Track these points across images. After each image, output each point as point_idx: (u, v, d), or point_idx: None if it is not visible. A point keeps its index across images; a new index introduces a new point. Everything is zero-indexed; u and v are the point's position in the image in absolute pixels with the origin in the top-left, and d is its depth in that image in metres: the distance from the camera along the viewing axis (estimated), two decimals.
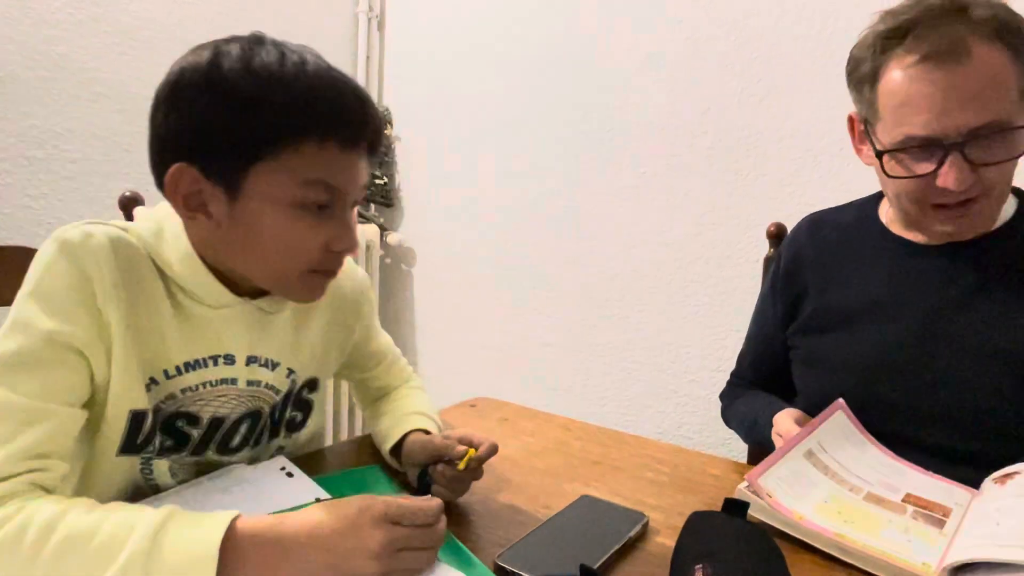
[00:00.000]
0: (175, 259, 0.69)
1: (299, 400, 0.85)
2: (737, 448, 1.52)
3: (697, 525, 0.63)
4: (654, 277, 1.72)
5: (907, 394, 0.85)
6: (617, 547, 0.67)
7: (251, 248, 0.68)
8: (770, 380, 1.06)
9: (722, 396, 1.15)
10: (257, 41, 0.66)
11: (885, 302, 0.90)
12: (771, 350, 1.05)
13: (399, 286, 2.25)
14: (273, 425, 0.82)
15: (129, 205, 1.14)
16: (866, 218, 0.97)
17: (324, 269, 0.71)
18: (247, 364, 0.76)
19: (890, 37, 0.79)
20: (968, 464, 0.80)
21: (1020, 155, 0.78)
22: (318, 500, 0.69)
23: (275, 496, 0.70)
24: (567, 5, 1.80)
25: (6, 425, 0.58)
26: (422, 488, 0.75)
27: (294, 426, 0.86)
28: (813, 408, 0.88)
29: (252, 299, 0.75)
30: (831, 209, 1.04)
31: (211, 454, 0.78)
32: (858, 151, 0.91)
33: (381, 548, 0.55)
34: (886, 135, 0.82)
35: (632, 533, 0.70)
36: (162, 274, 0.70)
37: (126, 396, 0.67)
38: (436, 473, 0.75)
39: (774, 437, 0.90)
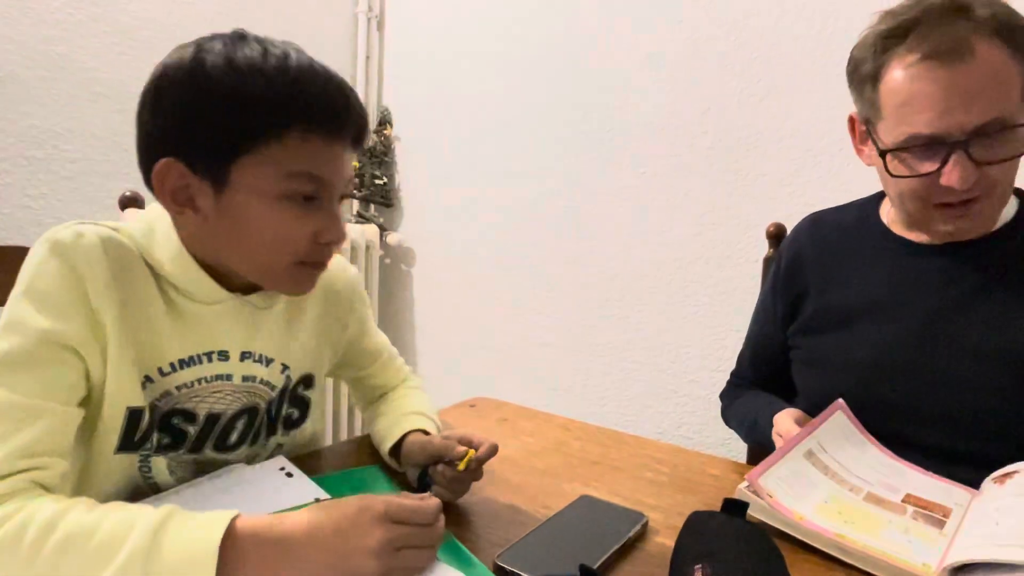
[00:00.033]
0: (166, 258, 0.69)
1: (295, 397, 0.85)
2: (737, 448, 1.52)
3: (697, 525, 0.63)
4: (654, 277, 1.72)
5: (907, 394, 0.85)
6: (616, 547, 0.67)
7: (239, 241, 0.68)
8: (770, 380, 1.06)
9: (722, 396, 1.15)
10: (239, 37, 0.67)
11: (885, 302, 0.89)
12: (771, 350, 1.05)
13: (399, 286, 2.24)
14: (270, 422, 0.83)
15: (129, 205, 1.14)
16: (867, 218, 0.97)
17: (313, 261, 0.72)
18: (241, 360, 0.76)
19: (891, 37, 0.79)
20: (968, 464, 0.80)
21: (1023, 153, 0.78)
22: (318, 500, 0.69)
23: (275, 496, 0.70)
24: (567, 5, 1.80)
25: (4, 424, 0.58)
26: (422, 488, 0.75)
27: (291, 423, 0.86)
28: (813, 408, 0.88)
29: (244, 295, 0.75)
30: (832, 209, 1.04)
31: (209, 451, 0.78)
32: (859, 151, 0.91)
33: (381, 546, 0.55)
34: (888, 135, 0.81)
35: (632, 533, 0.70)
36: (154, 272, 0.70)
37: (122, 394, 0.67)
38: (436, 474, 0.75)
39: (774, 437, 0.90)
